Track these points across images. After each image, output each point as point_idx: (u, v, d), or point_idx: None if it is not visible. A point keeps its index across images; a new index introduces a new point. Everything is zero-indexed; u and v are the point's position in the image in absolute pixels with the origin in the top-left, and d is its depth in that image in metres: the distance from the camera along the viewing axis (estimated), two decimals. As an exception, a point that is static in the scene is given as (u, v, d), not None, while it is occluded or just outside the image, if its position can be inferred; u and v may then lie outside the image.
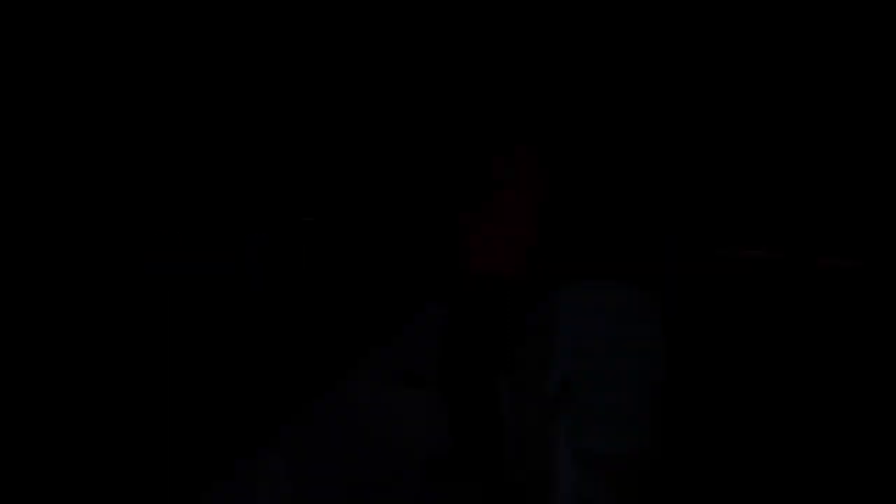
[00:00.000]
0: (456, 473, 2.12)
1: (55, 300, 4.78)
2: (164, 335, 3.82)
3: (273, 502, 1.41)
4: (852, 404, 2.81)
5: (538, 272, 2.12)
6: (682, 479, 2.31)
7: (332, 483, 1.79)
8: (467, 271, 2.11)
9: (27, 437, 2.47)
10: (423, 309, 3.00)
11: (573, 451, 1.84)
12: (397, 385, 2.38)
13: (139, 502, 2.08)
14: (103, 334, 3.81)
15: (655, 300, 1.99)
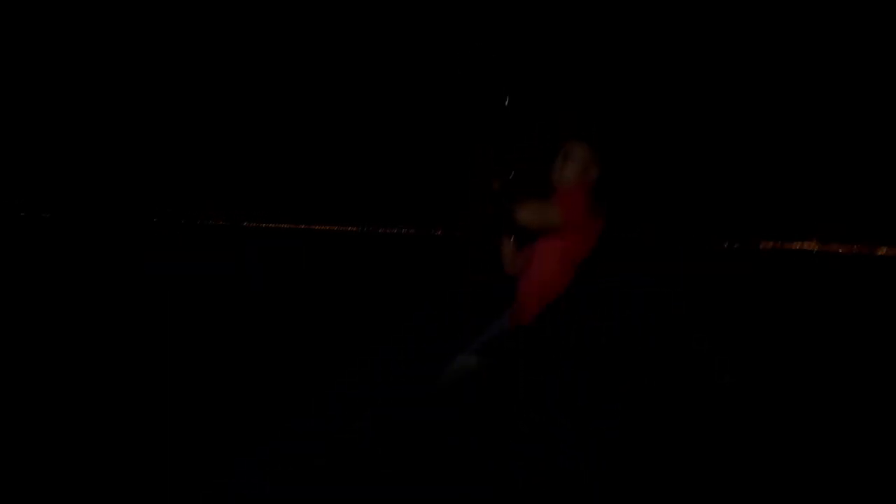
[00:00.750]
0: None
1: (55, 299, 4.76)
2: (165, 335, 3.80)
3: None
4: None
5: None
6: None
7: None
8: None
9: (27, 436, 2.46)
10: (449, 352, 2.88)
11: None
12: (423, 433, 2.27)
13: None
14: (103, 334, 3.79)
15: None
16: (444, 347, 2.84)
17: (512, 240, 2.04)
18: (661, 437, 2.64)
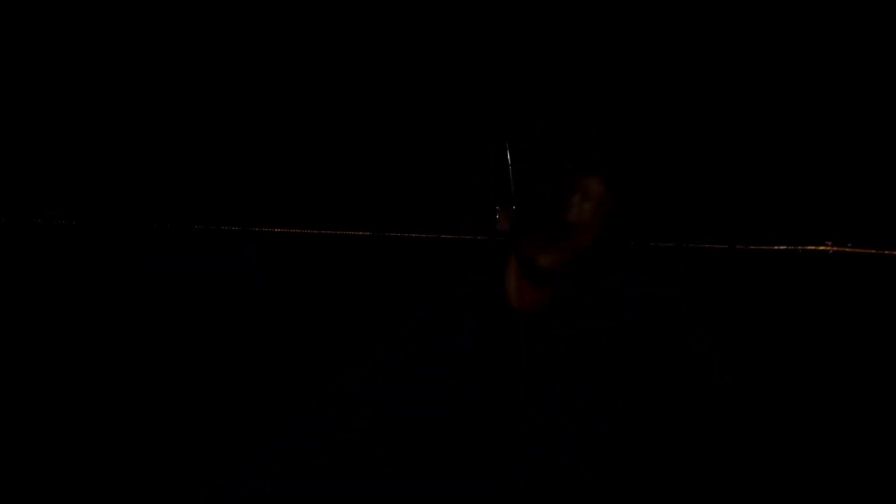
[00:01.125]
0: None
1: (54, 298, 4.76)
2: (164, 335, 3.80)
3: None
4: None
5: None
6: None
7: None
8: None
9: (26, 436, 2.46)
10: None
11: None
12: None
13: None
14: (103, 333, 3.79)
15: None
16: (444, 347, 2.84)
17: (519, 274, 2.02)
18: (661, 437, 2.64)
